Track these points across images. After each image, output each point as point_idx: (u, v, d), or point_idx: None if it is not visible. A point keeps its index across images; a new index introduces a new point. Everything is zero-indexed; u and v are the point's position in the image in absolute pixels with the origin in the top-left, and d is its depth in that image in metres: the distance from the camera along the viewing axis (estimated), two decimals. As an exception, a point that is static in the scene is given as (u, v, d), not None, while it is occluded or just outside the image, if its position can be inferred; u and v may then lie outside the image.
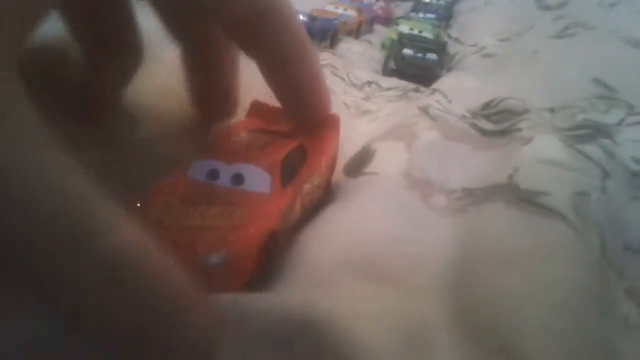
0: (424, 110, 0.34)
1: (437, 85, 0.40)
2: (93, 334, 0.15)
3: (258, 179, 0.22)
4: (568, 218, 0.22)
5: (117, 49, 0.27)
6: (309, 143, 0.26)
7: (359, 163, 0.29)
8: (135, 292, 0.14)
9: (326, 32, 0.56)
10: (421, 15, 0.76)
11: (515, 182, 0.25)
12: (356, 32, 0.63)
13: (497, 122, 0.33)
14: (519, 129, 0.31)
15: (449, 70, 0.52)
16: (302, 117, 0.26)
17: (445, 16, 0.81)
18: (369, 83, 0.46)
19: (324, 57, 0.45)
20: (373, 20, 0.69)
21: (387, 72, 0.52)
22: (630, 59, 0.42)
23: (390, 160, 0.29)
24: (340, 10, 0.66)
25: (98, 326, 0.15)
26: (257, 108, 0.28)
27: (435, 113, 0.34)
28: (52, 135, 0.14)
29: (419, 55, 0.54)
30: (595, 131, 0.30)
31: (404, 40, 0.59)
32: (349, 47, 0.59)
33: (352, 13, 0.65)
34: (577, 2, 0.81)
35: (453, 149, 0.30)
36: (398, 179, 0.28)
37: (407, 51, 0.55)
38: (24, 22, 0.16)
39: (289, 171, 0.23)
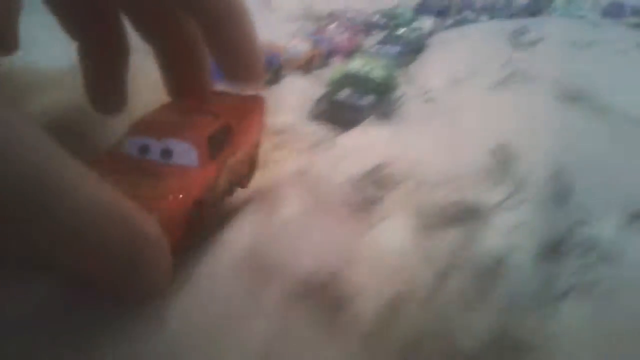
0: (302, 173, 0.32)
1: (341, 138, 0.38)
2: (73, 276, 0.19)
3: (185, 153, 0.25)
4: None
5: (106, 40, 0.30)
6: (236, 122, 0.29)
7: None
8: (104, 236, 0.17)
9: (267, 68, 0.55)
10: (388, 47, 0.74)
11: (335, 283, 0.23)
12: (306, 67, 0.62)
13: (372, 192, 0.31)
14: (382, 204, 0.29)
15: (385, 115, 0.50)
16: (238, 77, 0.29)
17: (415, 50, 0.80)
18: (284, 130, 0.44)
19: None
20: (330, 53, 0.67)
21: (313, 115, 0.50)
22: (551, 119, 0.40)
23: (239, 235, 0.27)
24: (292, 44, 0.65)
25: (78, 268, 0.18)
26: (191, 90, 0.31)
27: (314, 176, 0.32)
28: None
29: (353, 98, 0.52)
30: (466, 214, 0.28)
31: (346, 79, 0.57)
32: (292, 83, 0.58)
33: (303, 48, 0.63)
34: (550, 40, 0.78)
35: (312, 226, 0.28)
36: (238, 257, 0.26)
37: (342, 93, 0.53)
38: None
39: (216, 147, 0.26)
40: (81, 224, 0.17)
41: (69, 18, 0.29)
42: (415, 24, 0.94)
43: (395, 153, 0.34)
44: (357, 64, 0.63)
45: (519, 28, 0.86)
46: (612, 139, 0.40)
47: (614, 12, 1.10)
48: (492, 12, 1.10)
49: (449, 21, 1.00)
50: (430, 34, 0.93)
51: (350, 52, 0.72)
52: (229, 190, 0.29)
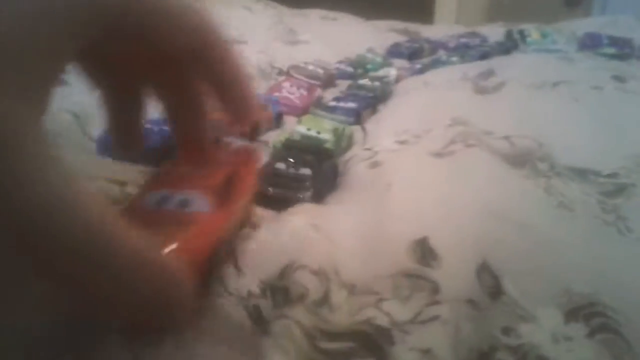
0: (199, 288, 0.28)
1: (255, 236, 0.35)
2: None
3: (200, 201, 0.28)
4: None
5: (125, 95, 0.34)
6: (237, 171, 0.34)
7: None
8: (149, 283, 0.21)
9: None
10: (341, 104, 0.71)
11: None
12: (251, 133, 0.59)
13: (265, 312, 0.27)
14: (271, 333, 0.25)
15: (323, 189, 0.47)
16: (245, 120, 0.34)
17: (377, 101, 0.77)
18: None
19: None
20: (280, 115, 0.64)
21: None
22: (486, 197, 0.36)
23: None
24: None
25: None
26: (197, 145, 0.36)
27: (211, 294, 0.28)
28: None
29: (291, 170, 0.49)
30: (368, 342, 0.24)
31: (287, 147, 0.54)
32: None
33: (249, 112, 0.60)
34: (515, 83, 0.75)
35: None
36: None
37: (278, 165, 0.50)
38: (46, 77, 0.19)
39: (224, 194, 0.30)
40: (131, 276, 0.20)
41: (94, 75, 0.32)
42: (381, 72, 0.91)
43: (309, 254, 0.31)
44: (302, 128, 0.60)
45: (484, 71, 0.83)
46: (550, 213, 0.36)
47: (590, 44, 1.07)
48: (465, 51, 1.07)
49: (418, 65, 0.98)
50: (398, 80, 0.90)
51: (303, 111, 0.69)
52: (238, 234, 0.33)
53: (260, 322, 0.28)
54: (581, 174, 0.47)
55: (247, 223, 0.35)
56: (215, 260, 0.29)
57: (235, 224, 0.33)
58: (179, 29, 0.27)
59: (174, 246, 0.24)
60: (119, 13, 0.22)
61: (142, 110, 0.36)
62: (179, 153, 0.37)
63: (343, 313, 0.28)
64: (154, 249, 0.22)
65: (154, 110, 0.37)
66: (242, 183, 0.34)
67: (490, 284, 0.31)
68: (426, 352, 0.26)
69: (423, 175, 0.42)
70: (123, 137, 0.36)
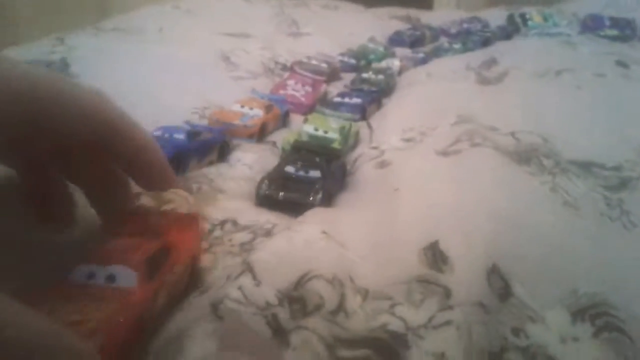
0: (214, 307, 0.30)
1: (259, 248, 0.36)
2: None
3: (127, 276, 0.29)
4: None
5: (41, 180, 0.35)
6: (173, 240, 0.34)
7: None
8: None
9: (208, 148, 0.53)
10: (347, 99, 0.72)
11: None
12: (259, 134, 0.60)
13: (283, 323, 0.28)
14: (293, 338, 0.26)
15: (333, 191, 0.48)
16: (154, 187, 0.36)
17: (381, 95, 0.77)
18: (222, 224, 0.42)
19: (176, 192, 0.41)
20: (287, 113, 0.65)
21: (259, 199, 0.48)
22: (493, 196, 0.37)
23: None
24: (245, 109, 0.63)
25: None
26: (132, 214, 0.36)
27: (226, 309, 0.30)
28: None
29: (301, 173, 0.50)
30: (384, 348, 0.26)
31: (297, 148, 0.55)
32: (241, 158, 0.56)
33: (256, 112, 0.62)
34: (518, 73, 0.76)
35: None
36: None
37: (289, 169, 0.51)
38: None
39: (154, 266, 0.30)
40: (26, 354, 0.19)
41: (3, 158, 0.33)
42: (384, 63, 0.91)
43: (322, 261, 0.32)
44: (310, 128, 0.61)
45: (487, 60, 0.83)
46: (556, 211, 0.37)
47: (592, 26, 1.07)
48: (466, 37, 1.07)
49: (421, 55, 0.98)
50: (401, 71, 0.91)
51: (310, 108, 0.70)
52: (168, 305, 0.32)
53: (279, 332, 0.29)
54: (585, 167, 0.47)
55: (186, 289, 0.34)
56: (140, 333, 0.28)
57: (167, 295, 0.32)
58: (83, 124, 0.30)
59: (91, 325, 0.24)
60: (30, 119, 0.26)
61: (63, 189, 0.36)
62: (106, 226, 0.37)
63: (359, 319, 0.30)
64: (60, 329, 0.21)
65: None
66: (177, 252, 0.34)
67: (500, 286, 0.33)
68: (440, 356, 0.28)
69: (431, 177, 0.43)
70: (45, 213, 0.36)
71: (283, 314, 0.31)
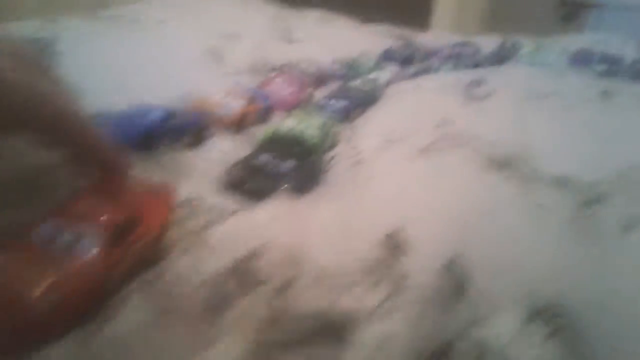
0: (158, 275, 0.29)
1: (236, 216, 0.35)
2: None
3: (90, 242, 0.31)
4: None
5: None
6: (144, 212, 0.35)
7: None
8: None
9: (183, 131, 0.52)
10: (333, 101, 0.72)
11: None
12: (238, 125, 0.59)
13: (229, 291, 0.27)
14: (230, 313, 0.25)
15: (303, 183, 0.47)
16: (115, 171, 0.35)
17: (366, 102, 0.77)
18: (189, 200, 0.41)
19: (143, 166, 0.40)
20: (269, 109, 0.65)
21: (226, 182, 0.47)
22: (463, 194, 0.36)
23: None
24: (227, 99, 0.62)
25: None
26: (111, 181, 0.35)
27: (175, 275, 0.29)
28: None
29: (271, 164, 0.49)
30: (327, 329, 0.25)
31: (273, 140, 0.55)
32: (216, 145, 0.55)
33: (236, 104, 0.61)
34: (504, 93, 0.76)
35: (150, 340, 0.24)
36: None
37: (261, 158, 0.50)
38: None
39: (122, 233, 0.32)
40: None
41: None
42: (372, 75, 0.92)
43: (281, 238, 0.31)
44: (290, 123, 0.60)
45: (476, 79, 0.84)
46: (525, 215, 0.36)
47: (581, 60, 1.09)
48: (457, 60, 1.08)
49: (411, 70, 0.98)
50: (389, 83, 0.91)
51: (293, 107, 0.70)
52: (132, 273, 0.33)
53: (218, 305, 0.28)
54: (562, 181, 0.47)
55: (153, 260, 0.35)
56: (100, 296, 0.30)
57: (132, 261, 0.33)
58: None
59: (49, 281, 0.28)
60: None
61: None
62: (89, 186, 0.36)
63: (309, 297, 0.29)
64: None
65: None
66: (148, 223, 0.35)
67: (457, 280, 0.32)
68: (386, 339, 0.27)
69: (403, 171, 0.43)
70: None
71: (227, 286, 0.30)
